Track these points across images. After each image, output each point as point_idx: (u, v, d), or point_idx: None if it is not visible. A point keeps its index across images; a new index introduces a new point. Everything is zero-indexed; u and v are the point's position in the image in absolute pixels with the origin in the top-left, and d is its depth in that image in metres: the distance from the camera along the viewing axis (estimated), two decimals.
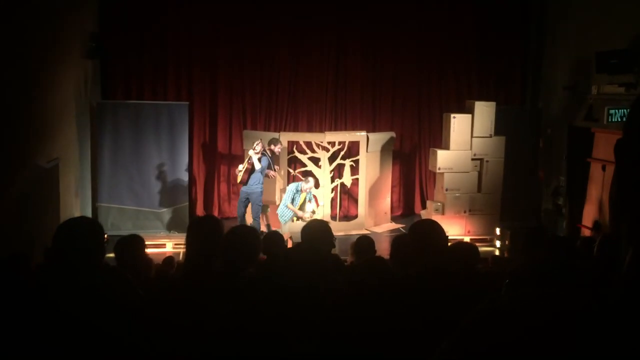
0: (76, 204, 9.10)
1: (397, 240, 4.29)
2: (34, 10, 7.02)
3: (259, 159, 9.05)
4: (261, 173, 9.12)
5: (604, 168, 8.56)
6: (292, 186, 9.18)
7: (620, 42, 8.04)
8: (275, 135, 10.10)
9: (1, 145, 6.27)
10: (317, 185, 9.86)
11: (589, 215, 9.17)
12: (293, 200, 9.11)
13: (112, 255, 4.26)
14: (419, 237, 3.03)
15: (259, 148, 9.06)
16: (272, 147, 9.35)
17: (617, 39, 8.14)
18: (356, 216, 10.41)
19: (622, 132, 0.78)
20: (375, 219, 10.57)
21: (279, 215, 9.21)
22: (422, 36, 11.11)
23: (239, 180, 9.32)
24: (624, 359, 0.67)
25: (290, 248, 4.90)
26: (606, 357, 0.67)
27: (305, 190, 9.11)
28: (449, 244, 3.62)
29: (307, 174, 9.89)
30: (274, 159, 9.38)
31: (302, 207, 9.18)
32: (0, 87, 6.23)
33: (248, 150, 9.41)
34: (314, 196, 10.12)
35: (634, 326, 0.68)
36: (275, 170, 9.45)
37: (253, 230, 3.29)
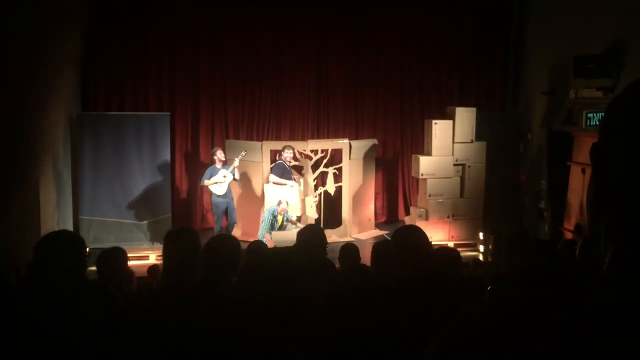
0: (57, 217, 8.99)
1: (378, 247, 4.29)
2: (18, 23, 6.95)
3: (271, 168, 9.40)
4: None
5: (583, 171, 8.66)
6: (267, 213, 9.19)
7: (597, 47, 8.17)
8: (258, 144, 10.12)
9: None
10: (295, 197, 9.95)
11: (570, 218, 9.28)
12: (272, 226, 9.14)
13: (94, 268, 4.21)
14: (402, 242, 3.03)
15: (288, 154, 9.38)
16: (284, 154, 9.48)
17: (594, 44, 8.26)
18: (340, 223, 10.41)
19: (598, 135, 0.79)
20: (359, 226, 10.58)
21: (261, 236, 9.08)
22: (403, 43, 11.19)
23: (221, 192, 9.40)
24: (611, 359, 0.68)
25: (280, 249, 4.87)
26: (593, 357, 0.68)
27: (281, 213, 9.21)
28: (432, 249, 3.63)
29: (283, 191, 10.02)
30: (289, 167, 9.57)
31: (282, 228, 9.21)
32: None
33: (233, 159, 9.46)
34: (301, 201, 10.09)
35: (618, 325, 0.68)
36: (294, 179, 9.53)
37: (233, 239, 3.27)
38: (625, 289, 0.70)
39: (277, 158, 9.80)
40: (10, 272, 4.20)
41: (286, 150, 9.62)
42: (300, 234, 3.25)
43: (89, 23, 10.09)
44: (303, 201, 9.84)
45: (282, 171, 9.56)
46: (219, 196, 9.49)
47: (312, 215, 9.84)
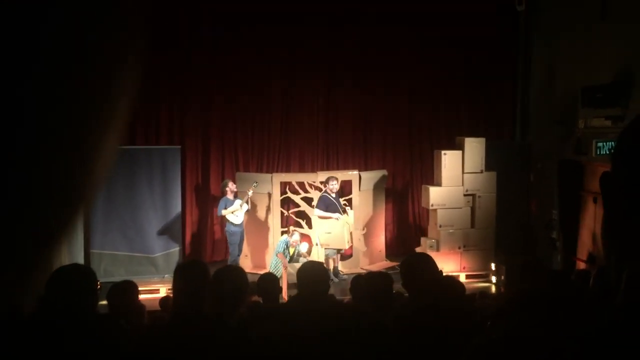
0: (68, 251, 9.01)
1: (355, 281, 4.30)
2: None
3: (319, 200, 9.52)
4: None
5: (595, 200, 8.61)
6: (282, 242, 9.29)
7: (605, 77, 8.20)
8: (268, 176, 10.18)
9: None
10: (307, 240, 9.95)
11: (583, 247, 9.18)
12: (284, 253, 9.18)
13: (105, 302, 4.21)
14: (410, 270, 3.00)
15: (333, 185, 9.43)
16: (329, 185, 9.52)
17: (602, 74, 8.30)
18: (351, 255, 10.36)
19: (610, 164, 0.80)
20: (370, 258, 10.52)
21: (272, 268, 9.06)
22: (411, 73, 11.27)
23: (239, 221, 9.43)
24: None
25: (286, 303, 4.87)
26: None
27: (293, 245, 9.25)
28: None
29: (298, 224, 10.03)
30: (337, 198, 9.54)
31: (292, 259, 9.21)
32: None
33: (245, 191, 9.52)
34: (307, 235, 10.12)
35: (632, 351, 0.68)
36: (343, 211, 9.53)
37: (239, 270, 3.27)
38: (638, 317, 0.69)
39: (323, 190, 9.76)
40: (21, 308, 4.20)
41: (330, 182, 9.55)
42: (301, 270, 3.22)
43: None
44: (350, 233, 9.73)
45: (326, 204, 9.54)
46: (235, 225, 9.49)
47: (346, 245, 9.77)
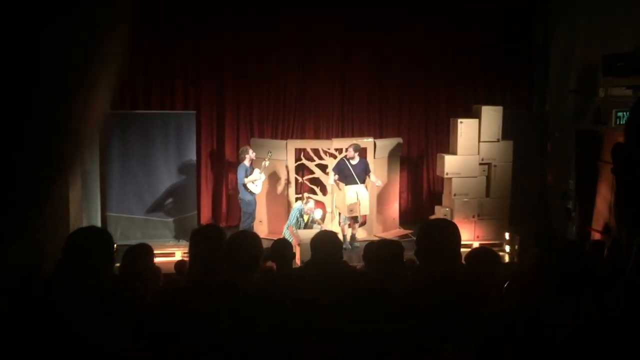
0: (85, 214, 9.14)
1: (367, 248, 4.30)
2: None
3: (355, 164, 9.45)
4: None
5: (612, 171, 8.49)
6: (295, 210, 9.32)
7: (627, 45, 8.01)
8: (282, 142, 10.18)
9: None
10: (321, 207, 9.95)
11: (599, 218, 9.11)
12: (297, 222, 9.20)
13: (120, 264, 4.28)
14: (429, 238, 2.96)
15: (350, 151, 9.38)
16: (347, 152, 9.53)
17: (623, 42, 8.11)
18: (365, 222, 10.39)
19: (623, 134, 0.78)
20: (384, 225, 10.56)
21: (285, 237, 9.12)
22: (428, 41, 11.12)
23: (258, 191, 9.46)
24: None
25: (299, 268, 4.90)
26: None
27: (308, 213, 9.26)
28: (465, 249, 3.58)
29: (312, 191, 10.04)
30: (358, 165, 9.53)
31: (307, 226, 9.25)
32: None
33: (263, 160, 9.51)
34: (322, 203, 10.16)
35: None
36: (362, 180, 9.52)
37: (254, 236, 3.29)
38: None
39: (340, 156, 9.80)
40: (40, 267, 4.29)
41: (349, 149, 9.49)
42: (314, 240, 3.22)
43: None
44: (358, 203, 9.66)
45: (340, 169, 9.49)
46: (252, 194, 9.49)
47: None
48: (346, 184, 9.41)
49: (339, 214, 9.79)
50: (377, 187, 10.03)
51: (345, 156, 9.57)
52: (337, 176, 9.47)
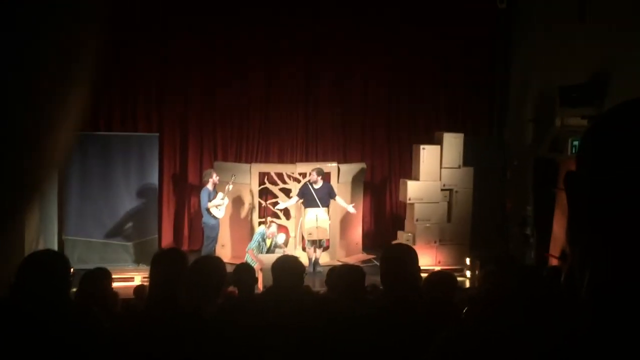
0: (42, 236, 8.90)
1: (330, 273, 4.32)
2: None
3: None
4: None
5: None
6: (258, 234, 9.26)
7: (582, 77, 8.32)
8: (246, 166, 10.16)
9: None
10: (285, 231, 9.95)
11: (556, 244, 9.31)
12: (260, 247, 9.13)
13: (77, 289, 4.17)
14: (391, 262, 3.00)
15: (313, 175, 9.39)
16: (310, 176, 9.54)
17: (578, 74, 8.41)
18: (327, 247, 10.38)
19: (575, 163, 0.81)
20: (347, 250, 10.57)
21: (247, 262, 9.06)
22: (391, 68, 11.31)
23: (221, 215, 9.45)
24: None
25: (261, 293, 4.87)
26: None
27: (270, 237, 9.20)
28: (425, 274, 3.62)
29: (275, 215, 10.02)
30: (321, 190, 9.52)
31: (270, 251, 9.20)
32: None
33: (227, 184, 9.46)
34: (285, 227, 10.14)
35: (601, 350, 0.70)
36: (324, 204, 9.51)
37: (217, 260, 3.26)
38: (600, 315, 0.71)
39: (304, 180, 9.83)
40: None
41: (311, 173, 9.55)
42: (275, 265, 3.21)
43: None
44: (318, 227, 9.66)
45: (303, 193, 9.52)
46: (216, 218, 9.42)
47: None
48: (308, 207, 9.43)
49: (304, 238, 9.78)
50: (350, 212, 10.04)
51: (309, 180, 9.59)
52: (301, 200, 9.51)
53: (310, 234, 9.39)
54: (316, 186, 9.47)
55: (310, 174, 9.57)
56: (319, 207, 9.41)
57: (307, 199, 9.46)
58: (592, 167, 0.72)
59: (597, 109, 7.98)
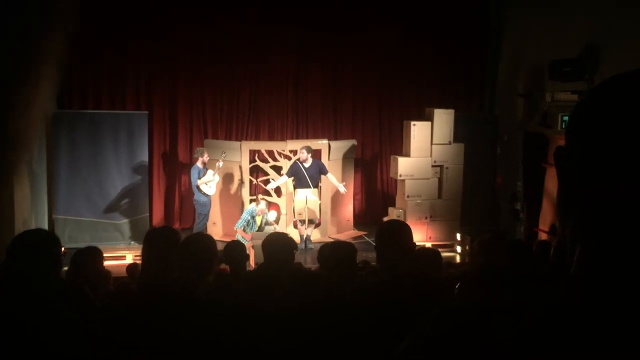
0: (32, 216, 8.86)
1: (321, 250, 4.33)
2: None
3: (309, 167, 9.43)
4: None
5: None
6: (246, 212, 9.20)
7: (573, 51, 8.30)
8: (237, 144, 10.12)
9: None
10: (276, 209, 9.97)
11: (546, 219, 9.40)
12: (249, 225, 9.10)
13: (68, 268, 4.17)
14: (386, 238, 3.01)
15: (303, 154, 9.34)
16: (299, 154, 9.51)
17: (569, 48, 8.39)
18: (319, 224, 10.42)
19: (565, 138, 0.81)
20: (338, 227, 10.60)
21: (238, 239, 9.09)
22: (381, 44, 11.23)
23: (212, 192, 9.41)
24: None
25: (252, 270, 4.88)
26: (565, 358, 0.69)
27: (259, 214, 9.17)
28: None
29: (266, 193, 10.02)
30: (311, 168, 9.51)
31: (260, 229, 9.20)
32: None
33: (217, 161, 9.44)
34: (276, 204, 10.15)
35: (584, 325, 0.70)
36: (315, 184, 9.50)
37: (209, 239, 3.25)
38: (591, 288, 0.72)
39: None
40: None
41: (299, 151, 9.52)
42: (266, 242, 3.22)
43: (69, 22, 9.94)
44: (307, 208, 9.66)
45: (293, 171, 9.52)
46: (207, 196, 9.44)
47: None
48: (299, 187, 9.43)
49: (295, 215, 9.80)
50: (341, 192, 10.03)
51: (298, 159, 9.57)
52: (291, 178, 9.51)
53: (300, 214, 9.43)
54: (306, 165, 9.46)
55: (300, 151, 9.54)
56: (309, 187, 9.42)
57: (298, 178, 9.46)
58: (582, 142, 0.72)
59: (587, 83, 7.98)
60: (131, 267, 6.12)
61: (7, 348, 2.33)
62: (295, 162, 9.62)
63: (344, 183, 9.94)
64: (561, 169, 0.77)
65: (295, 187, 9.55)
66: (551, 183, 9.28)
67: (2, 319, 2.41)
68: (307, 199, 9.37)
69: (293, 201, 9.67)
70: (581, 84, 8.07)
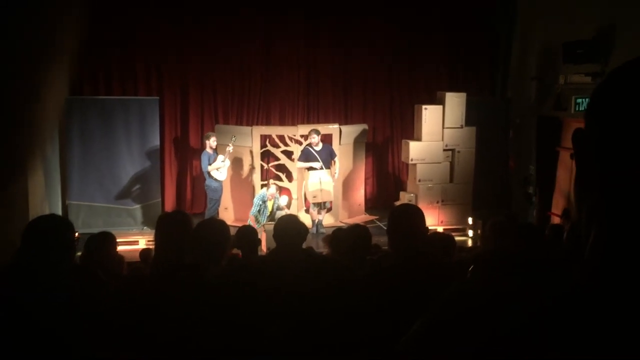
0: (46, 202, 8.94)
1: (335, 234, 4.33)
2: (18, 10, 6.84)
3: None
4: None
5: (572, 156, 8.71)
6: (257, 199, 9.20)
7: (587, 33, 8.18)
8: (247, 129, 10.12)
9: None
10: (287, 193, 9.97)
11: (558, 203, 9.34)
12: (260, 210, 9.13)
13: (81, 253, 4.20)
14: (399, 222, 3.00)
15: (314, 138, 9.34)
16: (310, 138, 9.49)
17: (583, 30, 8.27)
18: (330, 208, 10.42)
19: (584, 120, 0.80)
20: (349, 211, 10.61)
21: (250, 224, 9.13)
22: (392, 28, 11.14)
23: (223, 177, 9.43)
24: (595, 345, 0.69)
25: (264, 255, 4.89)
26: (577, 342, 0.69)
27: (270, 198, 9.18)
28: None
29: (277, 178, 10.03)
30: (322, 152, 9.52)
31: (272, 213, 9.21)
32: None
33: (227, 146, 9.47)
34: (287, 189, 10.16)
35: (601, 309, 0.69)
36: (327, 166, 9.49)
37: (221, 223, 3.26)
38: (605, 273, 0.71)
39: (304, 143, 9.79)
40: None
41: (310, 135, 9.54)
42: (277, 225, 3.22)
43: (80, 8, 9.95)
44: (322, 190, 9.67)
45: (307, 156, 9.53)
46: (217, 181, 9.49)
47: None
48: (312, 170, 9.45)
49: (306, 200, 9.81)
50: (349, 173, 10.05)
51: (310, 144, 9.56)
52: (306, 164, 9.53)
53: (314, 196, 9.44)
54: (317, 148, 9.47)
55: (310, 136, 9.53)
56: (322, 169, 9.45)
57: (312, 161, 9.49)
58: (600, 125, 0.71)
59: (602, 66, 7.87)
60: (144, 252, 6.17)
61: (22, 333, 2.36)
62: (306, 147, 9.62)
63: (336, 176, 9.91)
64: (579, 152, 0.76)
65: (307, 170, 9.56)
66: (564, 167, 9.21)
67: (18, 304, 2.44)
68: (320, 180, 9.39)
69: (304, 186, 9.67)
70: (595, 66, 7.96)
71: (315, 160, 9.47)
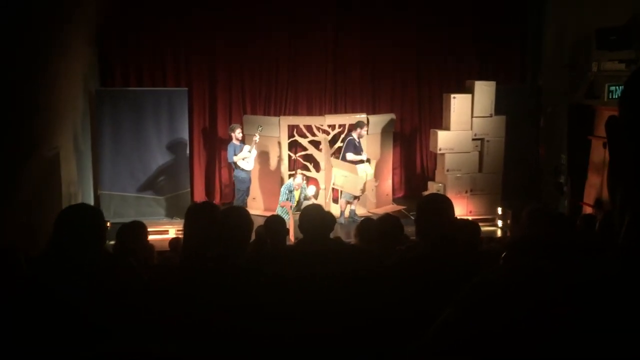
0: (78, 192, 9.11)
1: (364, 223, 4.32)
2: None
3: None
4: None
5: (604, 145, 8.52)
6: (284, 188, 9.29)
7: (620, 19, 7.98)
8: (275, 119, 10.14)
9: (5, 134, 6.24)
10: (315, 183, 10.00)
11: (591, 192, 9.17)
12: (287, 199, 9.20)
13: (114, 242, 4.28)
14: (428, 211, 2.98)
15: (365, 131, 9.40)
16: (359, 130, 9.47)
17: (616, 16, 8.08)
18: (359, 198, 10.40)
19: (618, 108, 0.78)
20: (377, 201, 10.58)
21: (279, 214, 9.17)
22: (421, 16, 11.03)
23: (250, 167, 9.47)
24: (626, 331, 0.68)
25: (292, 244, 4.92)
26: (608, 329, 0.68)
27: (297, 188, 9.20)
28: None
29: (305, 168, 10.05)
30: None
31: (299, 203, 9.25)
32: (4, 74, 6.18)
33: (252, 135, 9.52)
34: (315, 179, 10.17)
35: (628, 294, 0.69)
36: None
37: (242, 210, 3.29)
38: (636, 261, 0.70)
39: (349, 134, 9.73)
40: (18, 249, 4.28)
41: (361, 127, 9.55)
42: (303, 215, 3.23)
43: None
44: (365, 183, 9.69)
45: (355, 147, 9.55)
46: (245, 171, 9.54)
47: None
48: (357, 163, 9.44)
49: (340, 191, 9.80)
50: (379, 163, 10.07)
51: (358, 136, 9.54)
52: (349, 154, 9.53)
53: (362, 190, 9.47)
54: (362, 140, 9.54)
55: (361, 127, 9.51)
56: (366, 161, 9.49)
57: (357, 154, 9.49)
58: (636, 113, 0.69)
59: (636, 52, 7.68)
60: (174, 242, 6.25)
61: (52, 319, 2.42)
62: (351, 139, 9.54)
63: (379, 159, 9.88)
64: (612, 140, 0.74)
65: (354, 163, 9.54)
66: (596, 156, 9.03)
67: (49, 290, 2.49)
68: (367, 174, 9.43)
69: (333, 176, 9.67)
70: (629, 53, 7.78)
71: (362, 152, 9.51)
